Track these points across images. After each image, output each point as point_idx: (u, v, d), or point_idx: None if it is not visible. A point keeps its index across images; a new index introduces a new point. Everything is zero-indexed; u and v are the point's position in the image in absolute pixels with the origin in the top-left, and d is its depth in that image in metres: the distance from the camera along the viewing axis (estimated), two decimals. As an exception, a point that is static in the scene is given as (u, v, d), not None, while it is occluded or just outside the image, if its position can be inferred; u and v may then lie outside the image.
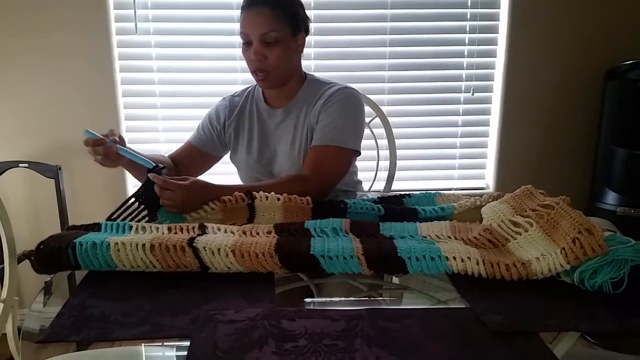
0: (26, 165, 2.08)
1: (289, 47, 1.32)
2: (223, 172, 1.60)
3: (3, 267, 1.45)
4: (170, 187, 1.05)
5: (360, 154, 1.41)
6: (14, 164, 2.08)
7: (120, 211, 1.05)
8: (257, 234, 0.93)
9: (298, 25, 1.34)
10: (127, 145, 1.21)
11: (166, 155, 1.50)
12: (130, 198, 1.08)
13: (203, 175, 1.52)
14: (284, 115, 1.42)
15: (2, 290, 1.47)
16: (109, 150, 1.16)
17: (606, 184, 2.15)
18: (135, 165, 1.22)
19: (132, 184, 2.25)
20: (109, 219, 1.03)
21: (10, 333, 1.65)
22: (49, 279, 0.88)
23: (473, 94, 2.31)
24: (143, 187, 1.09)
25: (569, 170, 2.37)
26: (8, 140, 2.17)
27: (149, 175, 1.08)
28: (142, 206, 1.07)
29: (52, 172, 2.08)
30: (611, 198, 2.12)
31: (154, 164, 1.13)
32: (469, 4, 2.23)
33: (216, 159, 1.55)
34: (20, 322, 0.82)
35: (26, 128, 2.17)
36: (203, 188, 1.10)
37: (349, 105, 1.37)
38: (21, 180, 2.20)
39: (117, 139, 1.18)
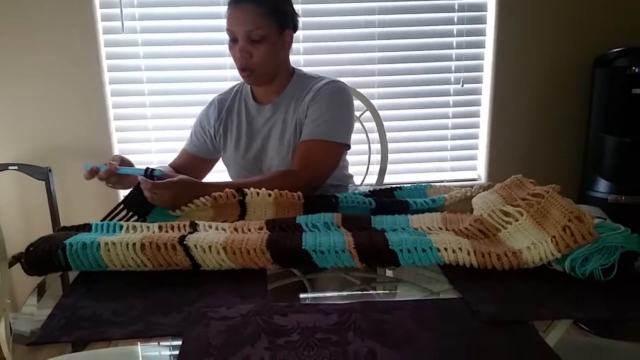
0: (16, 167, 2.06)
1: (275, 44, 1.31)
2: (213, 170, 1.59)
3: (-6, 271, 1.44)
4: (158, 190, 1.06)
5: (350, 147, 1.40)
6: (4, 167, 2.06)
7: (110, 217, 1.05)
8: (249, 230, 0.93)
9: (285, 21, 1.33)
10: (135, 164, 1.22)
11: (167, 165, 1.50)
12: (120, 204, 1.08)
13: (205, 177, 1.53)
14: (273, 111, 1.41)
15: (-7, 294, 1.46)
16: (109, 173, 1.15)
17: (597, 172, 2.16)
18: None
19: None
20: None
21: (3, 336, 1.63)
22: (41, 280, 0.88)
23: (463, 85, 2.31)
24: (132, 191, 1.10)
25: (559, 159, 2.38)
26: (-4, 143, 2.16)
27: (139, 178, 1.08)
28: (130, 212, 1.08)
29: (42, 174, 2.07)
30: (602, 186, 2.13)
31: (146, 168, 1.13)
32: (457, -5, 2.23)
33: (215, 161, 1.54)
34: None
35: (15, 130, 2.15)
36: (190, 185, 1.11)
37: (337, 99, 1.36)
38: (11, 183, 2.18)
39: (116, 162, 1.18)
